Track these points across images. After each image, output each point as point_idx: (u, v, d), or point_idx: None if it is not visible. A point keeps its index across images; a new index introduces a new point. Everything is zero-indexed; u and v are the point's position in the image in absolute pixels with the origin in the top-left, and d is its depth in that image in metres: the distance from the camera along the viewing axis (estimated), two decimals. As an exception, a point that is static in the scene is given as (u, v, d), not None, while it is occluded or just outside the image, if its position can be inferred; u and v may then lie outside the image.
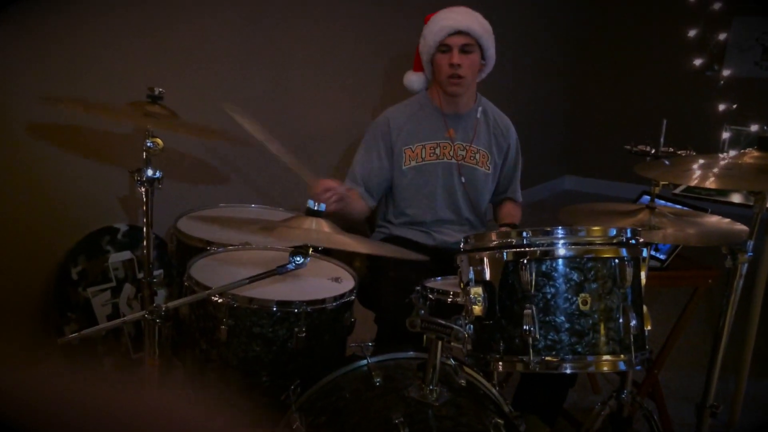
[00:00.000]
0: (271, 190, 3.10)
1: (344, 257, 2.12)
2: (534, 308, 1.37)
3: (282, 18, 3.05)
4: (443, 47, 2.22)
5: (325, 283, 1.93)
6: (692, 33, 5.48)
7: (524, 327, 1.36)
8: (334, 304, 1.81)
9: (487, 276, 1.43)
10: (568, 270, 1.37)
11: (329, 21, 3.31)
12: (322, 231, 1.43)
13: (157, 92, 1.71)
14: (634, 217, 1.86)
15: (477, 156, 2.36)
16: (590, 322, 1.36)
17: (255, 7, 2.92)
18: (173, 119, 1.72)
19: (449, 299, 1.82)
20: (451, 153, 2.33)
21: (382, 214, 2.45)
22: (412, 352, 1.71)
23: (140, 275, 2.64)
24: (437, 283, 2.00)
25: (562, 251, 1.39)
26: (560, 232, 1.41)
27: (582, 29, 6.12)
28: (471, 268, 1.45)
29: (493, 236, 1.47)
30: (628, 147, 1.84)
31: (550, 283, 1.37)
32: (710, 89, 5.23)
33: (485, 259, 1.45)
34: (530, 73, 5.19)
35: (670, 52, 5.80)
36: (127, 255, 2.67)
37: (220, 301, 1.72)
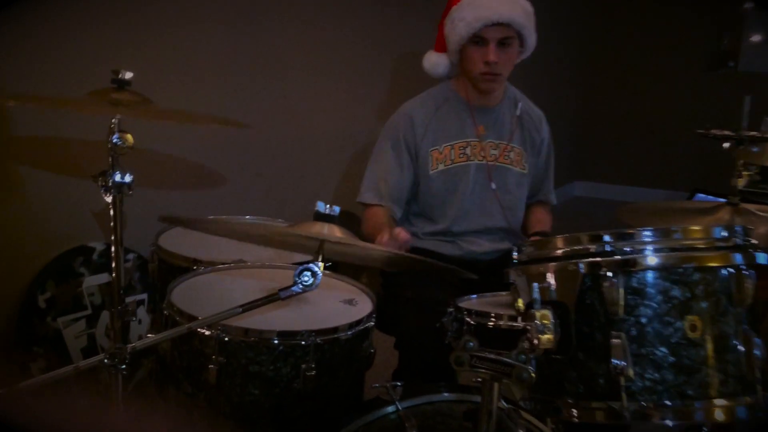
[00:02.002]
0: (269, 199, 2.76)
1: (351, 273, 1.78)
2: (625, 336, 1.02)
3: (277, 16, 2.73)
4: (477, 39, 1.89)
5: (337, 306, 1.59)
6: (705, 31, 5.24)
7: (612, 362, 1.01)
8: (350, 333, 1.47)
9: (558, 295, 1.09)
10: (667, 284, 1.04)
11: (328, 19, 3.00)
12: (335, 236, 1.10)
13: (123, 76, 1.37)
14: (712, 215, 1.52)
15: (511, 154, 2.05)
16: (701, 353, 1.02)
17: (247, 5, 2.61)
18: (146, 106, 1.38)
19: (490, 323, 1.48)
20: (482, 153, 2.00)
21: (399, 223, 2.12)
22: (447, 393, 1.37)
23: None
24: (472, 302, 1.66)
25: (655, 259, 1.06)
26: (649, 234, 1.07)
27: (591, 28, 5.86)
28: (535, 284, 1.11)
29: (560, 242, 1.13)
30: (702, 131, 1.51)
31: (645, 302, 1.04)
32: (727, 87, 4.95)
33: (551, 272, 1.11)
34: (537, 74, 4.89)
35: (683, 50, 5.53)
36: (104, 278, 2.34)
37: (207, 333, 1.38)
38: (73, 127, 1.88)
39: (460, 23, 1.88)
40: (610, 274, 1.05)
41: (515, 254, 1.21)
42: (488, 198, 2.02)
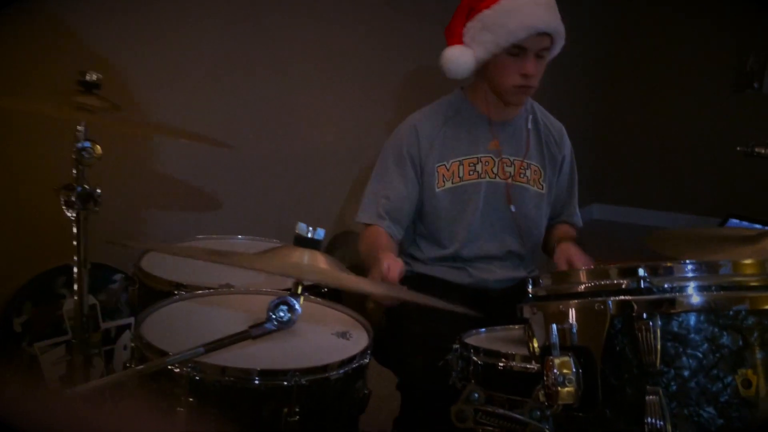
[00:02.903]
0: (269, 218, 2.60)
1: (353, 300, 1.61)
2: (662, 392, 0.84)
3: (280, 18, 2.59)
4: (516, 50, 1.69)
5: (329, 340, 1.41)
6: (730, 51, 5.07)
7: (648, 421, 0.83)
8: (341, 372, 1.29)
9: (581, 339, 0.91)
10: (715, 330, 0.85)
11: (337, 25, 2.85)
12: (316, 268, 0.93)
13: (91, 78, 1.22)
14: (757, 245, 1.33)
15: (527, 173, 1.86)
16: (756, 415, 0.83)
17: (251, 10, 2.47)
18: (114, 113, 1.23)
19: (501, 364, 1.30)
20: (496, 170, 1.83)
21: (402, 245, 1.94)
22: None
23: (103, 323, 2.15)
24: (481, 337, 1.48)
25: (699, 299, 0.87)
26: (693, 268, 0.89)
27: (612, 43, 5.70)
28: (553, 326, 0.93)
29: (585, 275, 0.95)
30: (741, 149, 1.33)
31: (688, 351, 0.85)
32: (751, 108, 4.77)
33: (573, 311, 0.93)
34: (553, 93, 4.72)
35: (706, 70, 5.35)
36: (88, 300, 2.16)
37: (177, 371, 1.20)
38: (44, 135, 1.72)
39: (499, 30, 1.66)
40: (645, 315, 0.87)
41: (530, 287, 1.03)
42: (502, 220, 1.84)
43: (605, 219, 5.96)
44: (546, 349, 0.92)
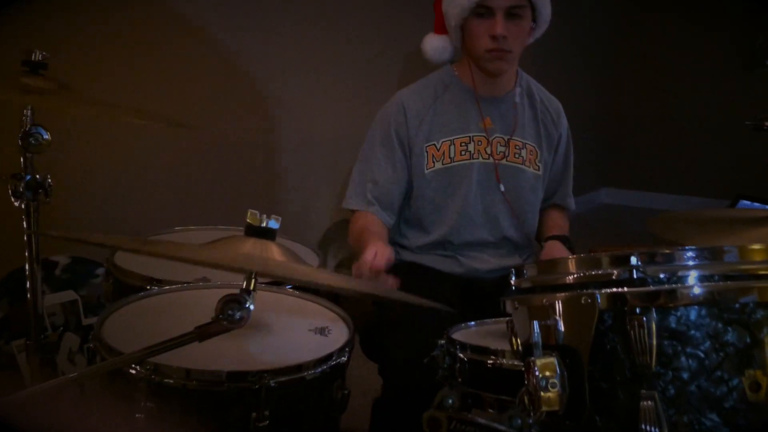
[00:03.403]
0: (239, 206, 2.50)
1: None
2: (659, 397, 0.74)
3: (270, 13, 2.48)
4: (482, 10, 1.61)
5: (305, 336, 1.32)
6: (740, 30, 4.91)
7: (643, 428, 0.73)
8: (317, 371, 1.20)
9: (567, 337, 0.80)
10: (719, 325, 0.75)
11: (326, 16, 2.73)
12: (269, 261, 0.83)
13: (37, 57, 1.12)
14: (767, 227, 1.22)
15: (523, 152, 1.75)
16: (766, 420, 0.73)
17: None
18: (65, 95, 1.13)
19: (489, 361, 1.20)
20: (488, 150, 1.72)
21: (391, 232, 1.84)
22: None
23: (86, 319, 2.08)
24: (470, 331, 1.38)
25: (701, 290, 0.77)
26: (693, 255, 0.78)
27: (619, 20, 5.54)
28: (534, 322, 0.82)
29: (572, 264, 0.85)
30: (750, 123, 1.22)
31: (688, 350, 0.75)
32: (762, 87, 4.61)
33: (559, 305, 0.83)
34: (559, 73, 4.58)
35: (716, 49, 5.19)
36: (68, 296, 2.10)
37: (134, 373, 1.11)
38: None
39: None
40: (638, 310, 0.76)
41: (513, 278, 0.93)
42: (495, 203, 1.73)
43: (613, 203, 5.83)
44: (528, 349, 0.82)
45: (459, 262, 1.73)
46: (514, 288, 0.92)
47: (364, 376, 1.71)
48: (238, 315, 0.82)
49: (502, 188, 1.73)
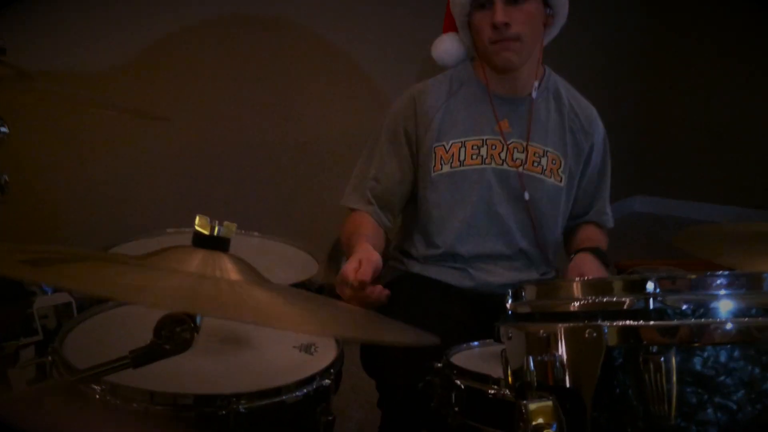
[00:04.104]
0: (256, 212, 2.39)
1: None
2: (678, 459, 0.60)
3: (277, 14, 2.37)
4: (482, 0, 1.50)
5: (288, 354, 1.19)
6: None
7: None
8: (298, 394, 1.07)
9: (570, 377, 0.67)
10: (756, 371, 0.60)
11: (338, 19, 2.61)
12: (222, 281, 0.70)
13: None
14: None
15: (543, 161, 1.61)
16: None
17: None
18: (25, 83, 1.03)
19: (491, 391, 1.06)
20: (503, 155, 1.58)
21: (396, 240, 1.72)
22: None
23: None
24: (472, 353, 1.24)
25: (734, 327, 0.62)
26: (725, 281, 0.64)
27: (655, 27, 5.34)
28: (529, 357, 0.69)
29: (576, 288, 0.71)
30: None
31: (715, 399, 0.60)
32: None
33: (560, 337, 0.69)
34: (591, 75, 4.40)
35: (755, 53, 4.96)
36: (62, 297, 1.99)
37: (89, 392, 1.00)
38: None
39: None
40: (655, 348, 0.62)
41: (510, 301, 0.79)
42: (511, 213, 1.59)
43: (647, 212, 5.60)
44: (521, 389, 0.68)
45: (469, 275, 1.59)
46: (510, 312, 0.79)
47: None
48: (180, 337, 0.70)
49: (527, 196, 1.58)
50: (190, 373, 1.06)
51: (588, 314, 0.68)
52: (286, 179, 2.54)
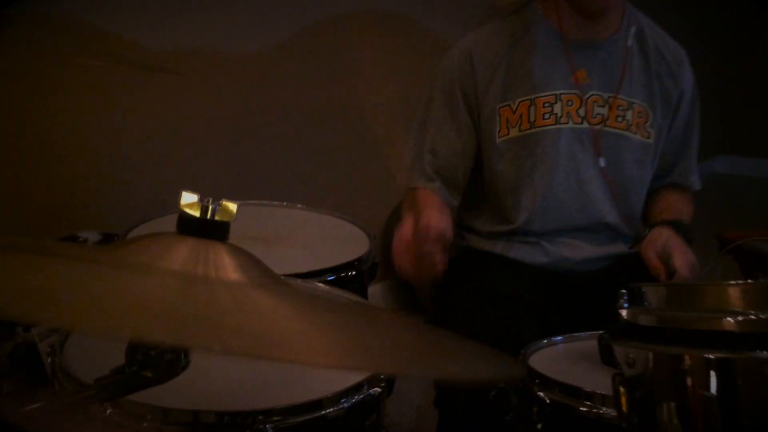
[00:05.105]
0: (298, 183, 2.21)
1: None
2: None
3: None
4: None
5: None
6: None
7: None
8: (342, 406, 0.89)
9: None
10: None
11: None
12: (216, 284, 0.50)
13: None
14: None
15: (628, 114, 1.38)
16: None
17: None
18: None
19: (582, 408, 0.84)
20: (582, 112, 1.36)
21: (456, 214, 1.51)
22: None
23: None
24: (556, 352, 1.03)
25: None
26: None
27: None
28: (670, 404, 0.45)
29: (735, 295, 0.47)
30: None
31: None
32: None
33: (715, 369, 0.45)
34: (675, 23, 4.03)
35: None
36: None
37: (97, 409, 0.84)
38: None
39: None
40: None
41: (623, 307, 0.56)
42: (590, 181, 1.38)
43: (730, 173, 5.21)
44: (633, 426, 0.45)
45: (544, 250, 1.38)
46: (622, 324, 0.55)
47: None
48: (163, 360, 0.50)
49: (602, 163, 1.37)
50: (210, 383, 0.89)
51: (759, 337, 0.44)
52: (334, 146, 2.35)
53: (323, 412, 0.88)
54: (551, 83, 1.37)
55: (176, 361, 0.52)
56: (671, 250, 1.25)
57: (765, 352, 0.44)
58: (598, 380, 0.86)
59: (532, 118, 1.36)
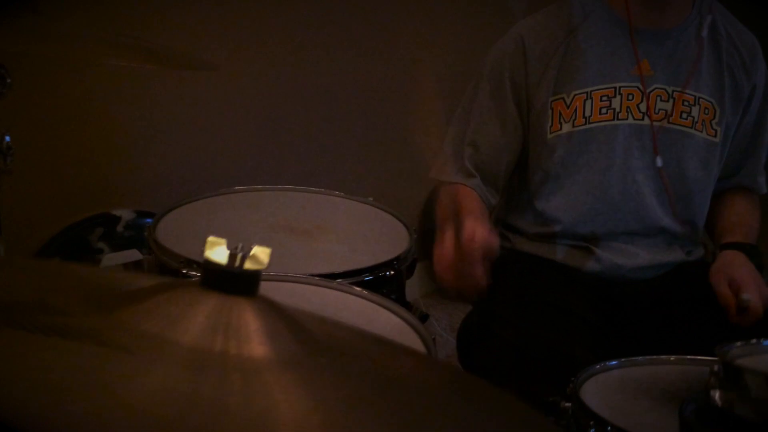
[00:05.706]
0: (328, 167, 2.16)
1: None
2: None
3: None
4: None
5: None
6: None
7: None
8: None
9: None
10: None
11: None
12: (234, 368, 0.43)
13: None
14: None
15: (694, 111, 1.28)
16: None
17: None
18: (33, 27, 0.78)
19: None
20: (643, 107, 1.27)
21: (498, 212, 1.44)
22: None
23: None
24: (611, 379, 0.96)
25: None
26: None
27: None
28: None
29: None
30: None
31: None
32: None
33: None
34: (748, 10, 3.78)
35: None
36: (132, 255, 1.91)
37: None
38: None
39: None
40: None
41: (715, 391, 0.48)
42: (646, 180, 1.30)
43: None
44: None
45: (595, 256, 1.29)
46: (714, 407, 0.48)
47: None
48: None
49: (659, 163, 1.28)
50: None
51: None
52: (374, 132, 2.29)
53: None
54: (610, 75, 1.27)
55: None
56: (744, 280, 1.17)
57: None
58: (657, 424, 0.79)
59: (587, 113, 1.27)
